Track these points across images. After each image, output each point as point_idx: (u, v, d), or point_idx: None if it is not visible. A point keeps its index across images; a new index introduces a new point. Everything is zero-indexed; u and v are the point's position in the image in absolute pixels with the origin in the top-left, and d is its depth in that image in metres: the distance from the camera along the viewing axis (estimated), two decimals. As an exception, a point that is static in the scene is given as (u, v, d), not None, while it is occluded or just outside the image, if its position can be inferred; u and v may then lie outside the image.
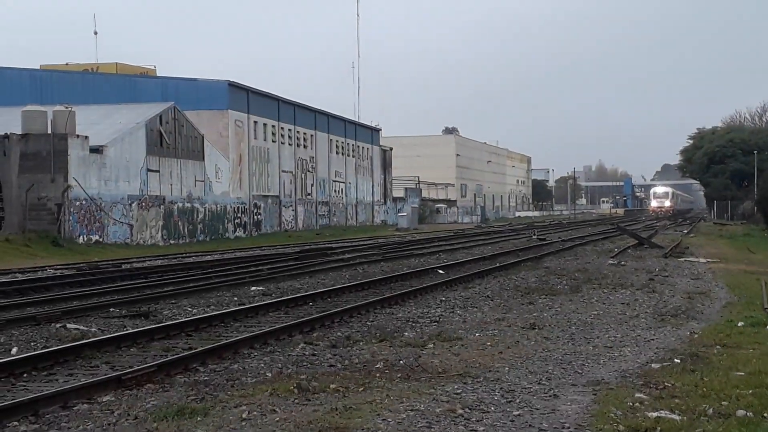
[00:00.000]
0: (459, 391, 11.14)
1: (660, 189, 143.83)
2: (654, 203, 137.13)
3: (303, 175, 78.86)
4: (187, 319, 17.75)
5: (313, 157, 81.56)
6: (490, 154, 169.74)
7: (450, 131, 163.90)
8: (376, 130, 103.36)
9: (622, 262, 33.90)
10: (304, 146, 79.69)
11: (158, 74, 70.23)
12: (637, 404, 10.36)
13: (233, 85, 65.90)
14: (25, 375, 12.43)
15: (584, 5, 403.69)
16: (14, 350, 14.64)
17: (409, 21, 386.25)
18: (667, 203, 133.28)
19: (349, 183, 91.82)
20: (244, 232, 65.10)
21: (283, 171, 74.14)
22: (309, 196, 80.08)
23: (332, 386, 11.37)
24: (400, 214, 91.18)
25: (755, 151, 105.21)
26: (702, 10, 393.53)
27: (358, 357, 13.75)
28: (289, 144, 76.05)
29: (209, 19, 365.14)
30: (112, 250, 45.05)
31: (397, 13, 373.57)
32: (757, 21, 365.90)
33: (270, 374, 12.47)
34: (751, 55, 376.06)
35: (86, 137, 47.52)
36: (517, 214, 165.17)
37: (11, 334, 16.38)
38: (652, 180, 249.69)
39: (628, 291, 23.63)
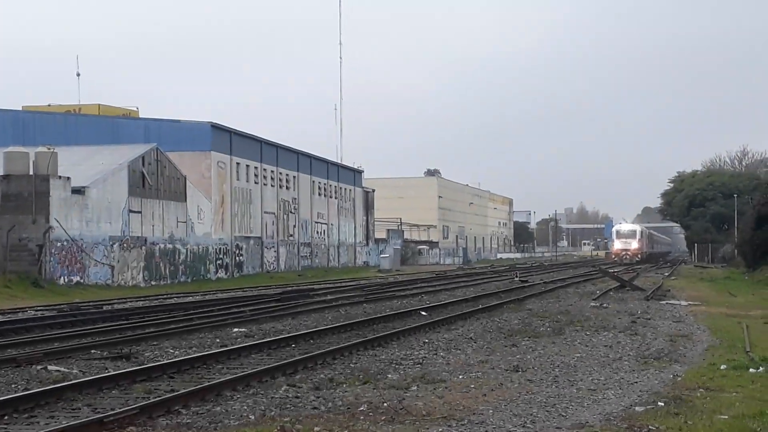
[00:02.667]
0: (443, 434, 11.11)
1: (625, 227, 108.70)
2: (617, 245, 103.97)
3: (285, 217, 78.84)
4: (169, 360, 17.65)
5: (295, 199, 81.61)
6: (472, 196, 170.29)
7: (432, 173, 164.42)
8: (358, 172, 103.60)
9: (605, 305, 33.95)
10: (287, 187, 79.76)
11: (141, 115, 70.23)
12: (622, 447, 10.35)
13: (216, 127, 66.00)
14: (5, 417, 12.31)
15: (563, 50, 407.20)
16: (-6, 392, 14.51)
17: (392, 64, 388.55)
18: (635, 245, 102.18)
19: (332, 224, 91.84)
20: (226, 273, 64.90)
21: (266, 212, 74.10)
22: (291, 238, 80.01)
23: (316, 429, 11.33)
24: (382, 256, 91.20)
25: (735, 195, 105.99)
26: (681, 55, 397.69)
27: (341, 399, 13.70)
28: (272, 185, 76.09)
29: (192, 61, 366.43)
30: (94, 291, 44.81)
31: (379, 57, 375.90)
32: (736, 66, 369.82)
33: (253, 417, 12.40)
34: (731, 100, 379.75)
35: (68, 178, 47.44)
36: (499, 255, 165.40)
37: (-9, 376, 16.23)
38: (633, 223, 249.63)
39: (610, 333, 23.65)
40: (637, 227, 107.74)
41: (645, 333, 23.88)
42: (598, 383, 15.41)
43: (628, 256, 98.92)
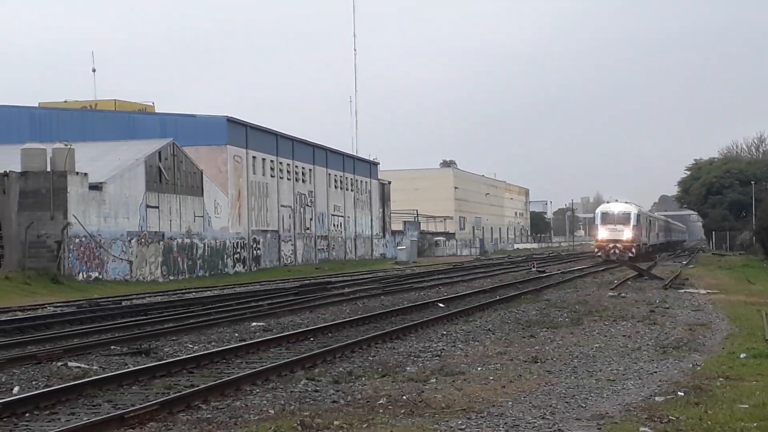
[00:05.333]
0: (463, 427, 11.12)
1: (615, 207, 72.43)
2: (602, 233, 70.59)
3: (302, 210, 78.92)
4: (188, 356, 17.70)
5: (311, 192, 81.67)
6: (488, 186, 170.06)
7: (448, 164, 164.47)
8: (374, 164, 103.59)
9: (622, 294, 33.87)
10: (303, 181, 79.81)
11: (157, 110, 70.40)
12: (642, 438, 10.34)
13: (232, 121, 66.08)
14: (27, 414, 12.37)
15: (579, 38, 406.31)
16: (16, 389, 14.59)
17: (406, 56, 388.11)
18: (628, 234, 69.38)
19: (348, 217, 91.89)
20: (244, 268, 65.03)
21: (282, 206, 74.19)
22: (308, 231, 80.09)
23: (336, 423, 11.33)
24: (399, 248, 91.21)
25: (753, 182, 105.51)
26: (697, 41, 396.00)
27: (360, 392, 13.71)
28: (288, 179, 76.16)
29: (207, 55, 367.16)
30: (112, 287, 44.98)
31: (394, 48, 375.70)
32: (754, 52, 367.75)
33: (273, 411, 12.43)
34: (748, 86, 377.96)
35: (85, 174, 47.60)
36: (516, 246, 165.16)
37: (12, 373, 16.33)
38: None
39: (629, 323, 23.60)
40: (632, 208, 72.44)
41: (664, 322, 23.82)
42: (617, 373, 15.38)
43: (617, 251, 68.21)
